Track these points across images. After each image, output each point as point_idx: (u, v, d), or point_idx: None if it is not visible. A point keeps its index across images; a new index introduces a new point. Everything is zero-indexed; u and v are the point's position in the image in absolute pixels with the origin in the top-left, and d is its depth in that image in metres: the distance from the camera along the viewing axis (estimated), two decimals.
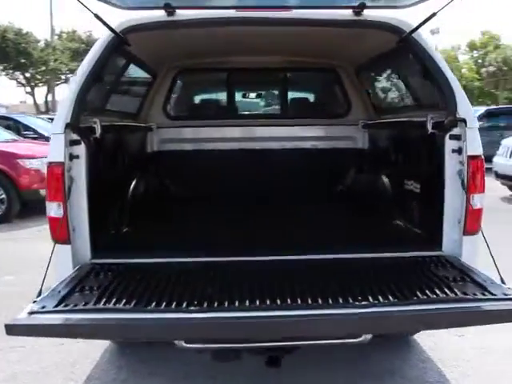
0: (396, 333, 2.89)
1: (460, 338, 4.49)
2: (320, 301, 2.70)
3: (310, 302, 2.70)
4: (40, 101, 43.53)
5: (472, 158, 3.45)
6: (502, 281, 3.02)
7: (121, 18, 3.60)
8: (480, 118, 16.50)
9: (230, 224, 4.54)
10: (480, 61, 52.46)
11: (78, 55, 41.87)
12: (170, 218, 4.91)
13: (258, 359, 3.20)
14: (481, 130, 3.59)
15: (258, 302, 2.69)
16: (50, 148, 3.31)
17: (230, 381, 3.83)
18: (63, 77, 42.77)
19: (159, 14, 3.62)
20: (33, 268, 4.49)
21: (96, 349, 4.27)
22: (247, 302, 2.69)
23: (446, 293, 2.82)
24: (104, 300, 2.73)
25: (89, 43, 43.09)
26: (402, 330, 2.79)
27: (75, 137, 3.33)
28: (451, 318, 2.72)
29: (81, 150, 3.36)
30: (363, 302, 2.70)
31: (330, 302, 2.70)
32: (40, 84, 42.77)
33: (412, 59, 3.98)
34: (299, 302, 2.70)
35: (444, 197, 3.55)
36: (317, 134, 5.99)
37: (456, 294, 2.79)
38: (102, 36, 3.59)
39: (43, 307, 2.63)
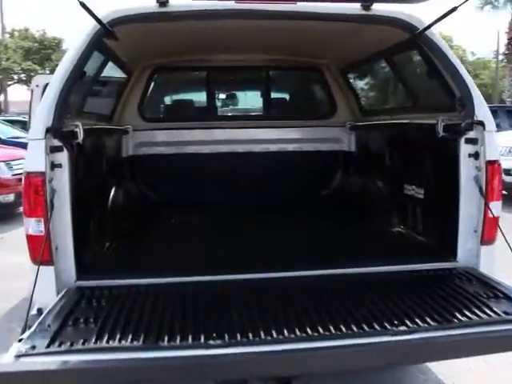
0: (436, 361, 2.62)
1: None
2: (354, 328, 2.40)
3: (343, 329, 2.40)
4: None
5: (490, 162, 3.23)
6: None
7: (105, 9, 3.18)
8: None
9: (217, 236, 4.20)
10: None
11: (31, 54, 40.46)
12: (153, 230, 4.52)
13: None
14: None
15: (281, 333, 2.35)
16: (27, 156, 2.89)
17: None
18: (16, 77, 41.18)
19: (150, 5, 3.24)
20: None
21: None
22: (272, 332, 2.35)
23: (486, 313, 2.56)
24: (106, 336, 2.32)
25: (42, 42, 41.75)
26: (446, 358, 2.52)
27: (57, 143, 2.91)
28: (504, 341, 2.46)
29: (63, 157, 2.94)
30: (401, 328, 2.41)
31: (365, 328, 2.40)
32: None
33: (422, 57, 3.73)
34: (331, 330, 2.38)
35: (459, 204, 3.31)
36: (301, 135, 5.71)
37: (498, 314, 2.53)
38: (87, 28, 3.17)
39: (33, 347, 2.19)
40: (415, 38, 3.49)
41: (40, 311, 2.85)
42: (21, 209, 9.72)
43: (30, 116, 5.60)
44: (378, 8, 3.41)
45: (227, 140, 5.57)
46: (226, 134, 5.58)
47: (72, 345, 2.23)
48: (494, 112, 5.14)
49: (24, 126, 15.58)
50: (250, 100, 6.66)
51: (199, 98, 6.21)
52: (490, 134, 3.23)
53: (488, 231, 3.27)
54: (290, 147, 5.70)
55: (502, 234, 3.21)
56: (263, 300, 2.78)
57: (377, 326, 2.42)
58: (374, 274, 3.25)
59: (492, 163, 3.23)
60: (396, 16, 3.45)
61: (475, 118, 3.21)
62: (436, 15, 3.29)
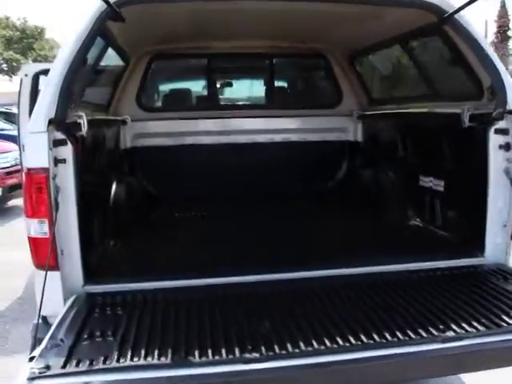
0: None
1: None
2: (399, 335, 2.18)
3: (388, 337, 2.19)
4: None
5: None
6: None
7: None
8: None
9: (224, 233, 3.96)
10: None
11: (12, 43, 39.69)
12: (156, 226, 4.27)
13: None
14: None
15: (321, 343, 2.13)
16: (27, 151, 2.62)
17: None
18: None
19: None
20: None
21: None
22: (312, 342, 2.13)
23: None
24: (129, 351, 2.06)
25: (24, 31, 40.95)
26: (501, 366, 2.32)
27: (60, 136, 2.65)
28: None
29: (67, 151, 2.67)
30: (448, 334, 2.20)
31: (411, 335, 2.19)
32: None
33: (446, 42, 3.50)
34: (375, 338, 2.17)
35: (487, 197, 3.11)
36: (306, 125, 5.46)
37: None
38: (90, 10, 2.88)
39: (47, 367, 1.92)
40: (443, 22, 3.26)
41: (45, 320, 2.62)
42: (9, 203, 9.50)
43: (18, 108, 5.27)
44: None
45: (229, 130, 5.33)
46: (229, 124, 5.33)
47: (92, 363, 1.97)
48: None
49: (7, 117, 15.14)
50: (253, 89, 6.36)
51: (200, 86, 5.94)
52: None
53: None
54: (295, 137, 5.46)
55: None
56: (292, 304, 2.56)
57: (423, 333, 2.21)
58: (398, 272, 3.05)
59: None
60: None
61: (507, 107, 3.00)
62: None
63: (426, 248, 3.46)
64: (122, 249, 3.50)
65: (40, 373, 1.89)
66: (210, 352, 2.05)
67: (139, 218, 4.34)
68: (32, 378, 1.86)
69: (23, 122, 4.93)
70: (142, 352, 2.05)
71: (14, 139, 8.89)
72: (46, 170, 2.55)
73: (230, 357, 2.02)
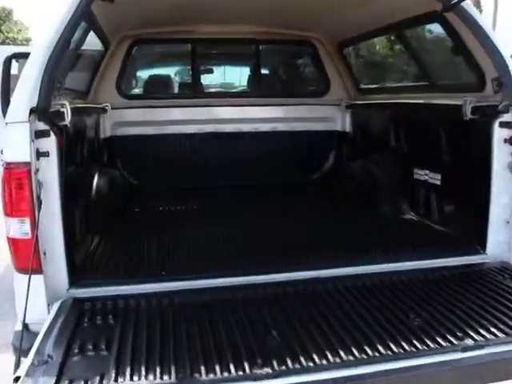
0: None
1: None
2: (417, 344, 2.04)
3: (405, 346, 2.03)
4: None
5: None
6: None
7: None
8: None
9: (212, 228, 3.76)
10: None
11: None
12: (141, 221, 4.05)
13: None
14: None
15: (336, 355, 1.96)
16: (6, 143, 2.38)
17: None
18: None
19: None
20: None
21: None
22: (326, 354, 1.96)
23: None
24: (128, 369, 1.85)
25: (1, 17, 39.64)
26: None
27: (43, 126, 2.41)
28: None
29: (50, 143, 2.44)
30: (467, 341, 2.06)
31: (429, 344, 2.05)
32: None
33: (448, 31, 3.36)
34: (392, 347, 2.02)
35: (490, 192, 3.00)
36: (292, 114, 5.29)
37: None
38: None
39: None
40: (448, 9, 3.10)
41: (27, 327, 2.41)
42: None
43: None
44: None
45: (214, 119, 5.14)
46: (213, 112, 5.14)
47: None
48: None
49: None
50: (239, 76, 6.17)
51: (183, 73, 5.76)
52: None
53: None
54: (281, 126, 5.29)
55: None
56: (297, 309, 2.39)
57: (441, 341, 2.07)
58: (398, 272, 2.90)
59: None
60: None
61: None
62: None
63: (424, 244, 3.31)
64: (107, 247, 3.27)
65: None
66: (217, 368, 1.87)
67: (123, 211, 4.13)
68: None
69: None
70: (142, 369, 1.86)
71: None
72: (28, 164, 2.33)
73: (240, 373, 1.84)
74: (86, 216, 3.38)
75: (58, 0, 2.77)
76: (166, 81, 5.48)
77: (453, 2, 3.01)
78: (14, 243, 2.41)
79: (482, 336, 2.11)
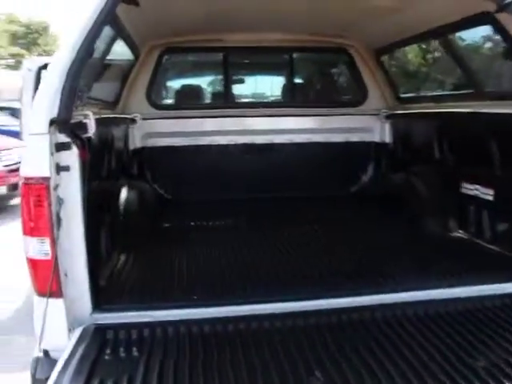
0: None
1: None
2: None
3: None
4: None
5: None
6: None
7: None
8: None
9: (245, 247, 3.52)
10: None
11: (17, 39, 39.38)
12: (172, 237, 3.84)
13: None
14: None
15: None
16: (25, 156, 2.22)
17: None
18: (3, 62, 40.06)
19: None
20: None
21: None
22: None
23: None
24: None
25: (29, 26, 40.64)
26: None
27: (63, 138, 2.25)
28: None
29: (72, 157, 2.27)
30: None
31: None
32: None
33: (504, 34, 3.08)
34: None
35: None
36: (328, 125, 5.07)
37: None
38: None
39: None
40: (501, 9, 2.84)
41: (47, 354, 2.23)
42: (12, 202, 9.12)
43: (21, 105, 4.91)
44: None
45: (246, 130, 4.98)
46: (245, 123, 4.98)
47: None
48: None
49: (13, 112, 14.77)
50: (271, 85, 5.98)
51: (214, 82, 5.59)
52: None
53: None
54: (316, 138, 5.08)
55: None
56: (344, 344, 2.13)
57: None
58: (448, 301, 2.58)
59: None
60: None
61: None
62: None
63: (478, 267, 2.98)
64: (134, 266, 3.08)
65: None
66: None
67: (152, 227, 3.95)
68: None
69: (26, 120, 4.57)
70: None
71: (18, 135, 8.60)
72: (47, 179, 2.16)
73: None
74: (112, 232, 3.21)
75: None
76: (197, 90, 5.33)
77: (507, 1, 2.75)
78: (33, 264, 2.24)
79: None
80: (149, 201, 4.31)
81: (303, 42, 4.97)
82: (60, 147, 2.22)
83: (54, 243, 2.18)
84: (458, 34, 3.72)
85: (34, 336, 2.27)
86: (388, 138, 5.05)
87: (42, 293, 2.24)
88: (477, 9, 3.08)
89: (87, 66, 2.66)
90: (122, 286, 2.75)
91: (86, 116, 2.43)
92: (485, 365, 1.95)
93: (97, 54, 3.20)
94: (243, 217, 4.29)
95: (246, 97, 5.73)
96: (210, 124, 4.91)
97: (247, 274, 2.95)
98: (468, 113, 3.54)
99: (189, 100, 5.17)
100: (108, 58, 3.87)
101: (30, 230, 2.21)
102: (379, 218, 4.26)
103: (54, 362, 2.15)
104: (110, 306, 2.44)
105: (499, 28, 3.07)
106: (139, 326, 2.28)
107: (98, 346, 2.13)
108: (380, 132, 5.11)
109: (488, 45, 3.48)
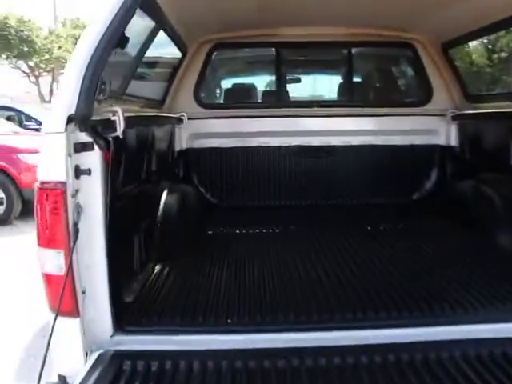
0: None
1: None
2: None
3: None
4: (45, 90, 42.31)
5: None
6: None
7: None
8: None
9: (293, 259, 3.15)
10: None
11: None
12: (216, 248, 3.52)
13: None
14: None
15: None
16: (40, 157, 1.98)
17: None
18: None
19: None
20: None
21: None
22: None
23: None
24: None
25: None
26: None
27: (84, 138, 1.99)
28: None
29: (94, 159, 2.02)
30: None
31: None
32: (44, 73, 41.38)
33: None
34: None
35: None
36: (389, 126, 4.66)
37: None
38: None
39: None
40: None
41: (63, 380, 1.99)
42: None
43: None
44: None
45: (300, 131, 4.66)
46: (299, 123, 4.66)
47: None
48: None
49: None
50: (328, 83, 5.63)
51: (267, 80, 5.31)
52: None
53: None
54: (375, 140, 4.69)
55: None
56: None
57: None
58: None
59: None
60: None
61: None
62: None
63: None
64: (167, 280, 2.79)
65: None
66: None
67: (194, 234, 3.67)
68: None
69: None
70: None
71: None
72: (63, 184, 1.90)
73: None
74: (149, 241, 2.96)
75: None
76: (247, 89, 5.07)
77: None
78: (47, 280, 2.00)
79: None
80: (192, 206, 4.03)
81: (363, 36, 4.60)
82: (80, 148, 1.97)
83: (68, 256, 1.92)
84: None
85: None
86: (454, 141, 4.60)
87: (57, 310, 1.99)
88: None
89: (122, 60, 2.43)
90: (151, 304, 2.46)
91: (114, 113, 2.17)
92: None
93: (135, 48, 2.97)
94: (293, 226, 3.97)
95: (301, 95, 5.43)
96: (261, 124, 4.61)
97: (293, 295, 2.59)
98: None
99: (239, 99, 4.92)
100: (153, 54, 3.66)
101: (45, 242, 1.96)
102: (445, 231, 3.82)
103: None
104: (133, 327, 2.17)
105: None
106: (162, 356, 1.99)
107: (113, 378, 1.85)
108: (446, 134, 4.66)
109: None
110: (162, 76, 4.35)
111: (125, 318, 2.18)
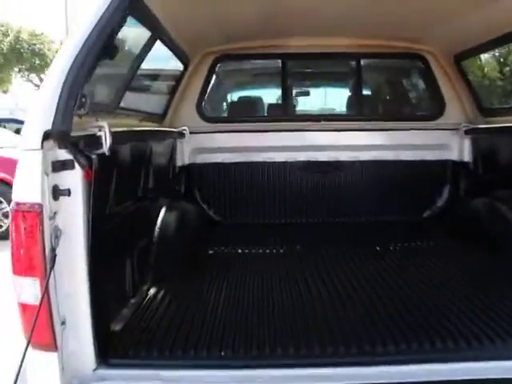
0: None
1: None
2: None
3: None
4: None
5: None
6: None
7: None
8: None
9: (300, 283, 2.95)
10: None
11: None
12: (217, 269, 3.32)
13: None
14: None
15: None
16: (16, 177, 1.82)
17: None
18: None
19: None
20: None
21: None
22: None
23: None
24: None
25: None
26: None
27: (64, 155, 1.83)
28: None
29: (74, 178, 1.85)
30: None
31: None
32: None
33: None
34: None
35: None
36: (399, 141, 4.48)
37: None
38: None
39: None
40: None
41: None
42: None
43: None
44: None
45: (306, 146, 4.49)
46: (306, 138, 4.49)
47: None
48: None
49: None
50: (336, 96, 5.48)
51: (272, 93, 5.15)
52: None
53: None
54: (385, 155, 4.51)
55: None
56: None
57: None
58: None
59: None
60: None
61: None
62: None
63: None
64: (161, 305, 2.60)
65: None
66: None
67: (193, 254, 3.49)
68: None
69: None
70: None
71: None
72: (40, 206, 1.74)
73: None
74: (143, 262, 2.79)
75: None
76: (252, 102, 4.94)
77: None
78: (23, 310, 1.83)
79: None
80: (192, 224, 3.86)
81: (372, 47, 4.45)
82: (59, 166, 1.81)
83: (46, 285, 1.75)
84: None
85: None
86: (468, 156, 4.41)
87: (36, 344, 1.82)
88: None
89: (114, 72, 2.28)
90: (140, 333, 2.27)
91: (100, 128, 2.01)
92: None
93: (129, 59, 2.84)
94: (298, 245, 3.78)
95: (307, 109, 5.31)
96: (266, 139, 4.46)
97: (296, 324, 2.38)
98: None
99: (243, 112, 4.77)
100: (153, 66, 3.53)
101: (20, 269, 1.80)
102: (457, 252, 3.61)
103: None
104: (118, 360, 1.99)
105: None
106: None
107: None
108: (459, 149, 4.48)
109: None
110: (162, 89, 4.24)
111: (110, 349, 2.00)
